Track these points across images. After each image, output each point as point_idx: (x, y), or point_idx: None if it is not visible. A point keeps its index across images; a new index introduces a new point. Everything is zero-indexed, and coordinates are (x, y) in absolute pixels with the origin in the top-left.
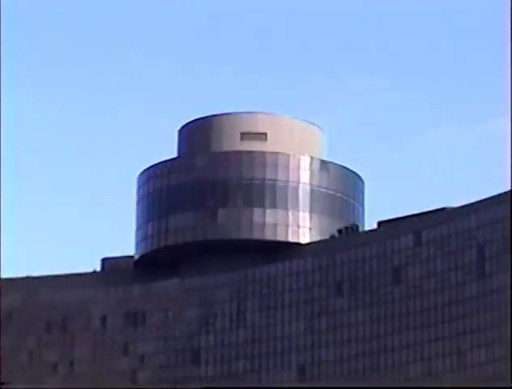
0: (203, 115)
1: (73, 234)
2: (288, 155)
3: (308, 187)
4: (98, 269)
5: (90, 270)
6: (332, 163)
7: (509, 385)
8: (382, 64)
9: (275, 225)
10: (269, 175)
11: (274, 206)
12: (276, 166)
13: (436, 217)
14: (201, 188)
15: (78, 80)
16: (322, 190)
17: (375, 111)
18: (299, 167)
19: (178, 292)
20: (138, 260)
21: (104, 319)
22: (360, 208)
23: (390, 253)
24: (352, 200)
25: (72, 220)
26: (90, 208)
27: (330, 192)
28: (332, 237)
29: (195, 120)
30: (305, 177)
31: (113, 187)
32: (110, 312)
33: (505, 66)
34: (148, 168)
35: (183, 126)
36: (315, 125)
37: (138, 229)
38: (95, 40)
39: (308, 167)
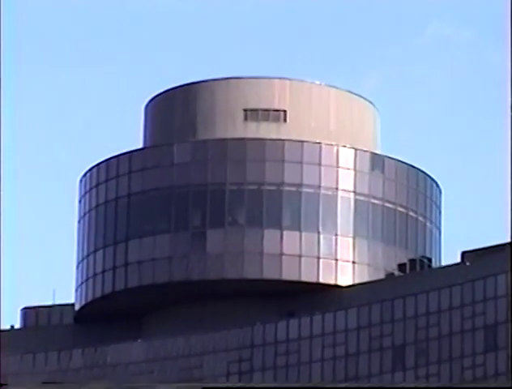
0: (184, 82)
1: None
2: (320, 145)
3: (351, 197)
4: (17, 325)
5: (5, 326)
6: (390, 158)
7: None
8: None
9: (299, 257)
10: (289, 177)
11: (297, 227)
12: (301, 163)
13: None
14: (180, 197)
15: None
16: (374, 201)
17: (457, 78)
18: (337, 164)
19: (143, 361)
20: (80, 311)
21: None
22: (436, 231)
23: (481, 301)
24: (421, 218)
25: None
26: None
27: (387, 205)
28: (390, 275)
29: (171, 89)
30: (346, 180)
31: (43, 195)
32: None
33: None
34: (97, 165)
35: (152, 99)
36: (364, 98)
37: (80, 262)
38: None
39: (351, 164)
